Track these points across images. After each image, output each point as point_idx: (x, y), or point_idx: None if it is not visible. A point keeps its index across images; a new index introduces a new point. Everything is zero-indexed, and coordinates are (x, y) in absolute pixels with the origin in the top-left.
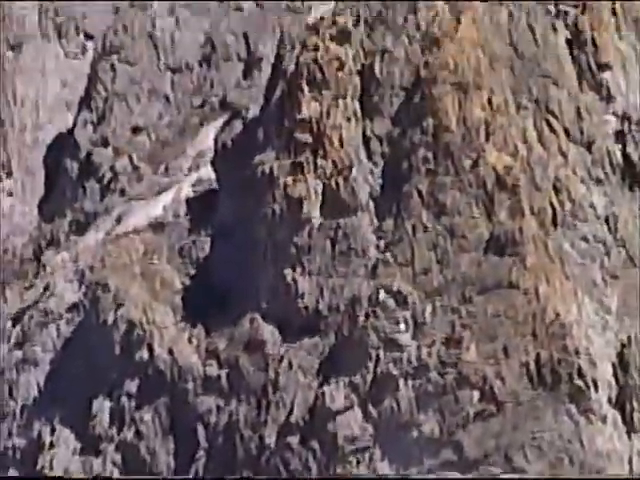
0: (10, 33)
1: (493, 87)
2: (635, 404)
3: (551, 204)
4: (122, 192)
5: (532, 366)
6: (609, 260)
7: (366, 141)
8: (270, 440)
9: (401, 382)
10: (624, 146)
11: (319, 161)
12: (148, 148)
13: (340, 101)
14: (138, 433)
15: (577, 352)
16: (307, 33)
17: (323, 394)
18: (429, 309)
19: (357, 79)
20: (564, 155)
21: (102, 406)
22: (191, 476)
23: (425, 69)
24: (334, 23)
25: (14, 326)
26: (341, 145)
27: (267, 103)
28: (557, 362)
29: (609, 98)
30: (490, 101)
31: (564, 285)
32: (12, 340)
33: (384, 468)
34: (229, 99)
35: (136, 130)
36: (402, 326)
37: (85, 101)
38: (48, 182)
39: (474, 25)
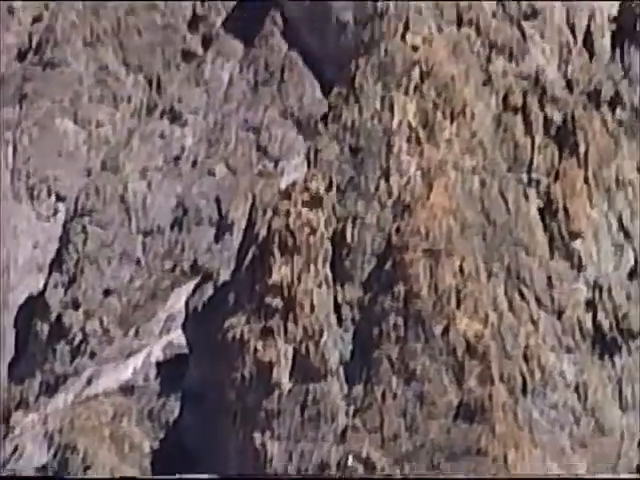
0: None
1: (464, 254)
2: None
3: (521, 372)
4: (92, 355)
5: None
6: (578, 428)
7: (337, 307)
8: None
9: None
10: (595, 314)
11: (289, 326)
12: (119, 311)
13: (311, 266)
14: None
15: None
16: (279, 198)
17: None
18: (398, 475)
19: (328, 244)
20: (534, 323)
21: None
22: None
23: (396, 235)
24: (306, 189)
25: None
26: (312, 310)
27: (238, 267)
28: None
29: (580, 266)
30: (461, 268)
31: (533, 453)
32: None
33: None
34: (200, 263)
35: (107, 293)
36: None
37: (56, 263)
38: (18, 344)
39: (446, 192)
